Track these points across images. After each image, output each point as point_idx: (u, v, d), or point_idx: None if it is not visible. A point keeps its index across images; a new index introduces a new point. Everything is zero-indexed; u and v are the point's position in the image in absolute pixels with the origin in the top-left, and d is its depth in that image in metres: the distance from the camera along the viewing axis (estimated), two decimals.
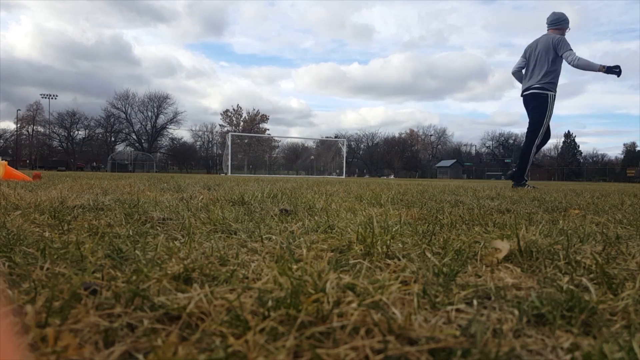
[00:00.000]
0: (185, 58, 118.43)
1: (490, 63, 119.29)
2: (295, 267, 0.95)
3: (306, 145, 72.60)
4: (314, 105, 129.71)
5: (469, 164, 71.93)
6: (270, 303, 0.69)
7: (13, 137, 67.80)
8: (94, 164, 62.19)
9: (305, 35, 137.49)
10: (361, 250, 1.19)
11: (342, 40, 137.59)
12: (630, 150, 69.65)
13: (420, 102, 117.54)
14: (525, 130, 7.40)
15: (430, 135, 79.34)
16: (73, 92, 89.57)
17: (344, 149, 45.37)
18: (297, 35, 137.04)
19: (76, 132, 69.85)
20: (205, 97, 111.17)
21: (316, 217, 1.92)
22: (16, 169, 7.38)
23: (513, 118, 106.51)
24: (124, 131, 71.57)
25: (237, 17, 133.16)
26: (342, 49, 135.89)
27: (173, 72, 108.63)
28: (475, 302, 0.78)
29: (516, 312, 0.72)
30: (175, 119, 72.10)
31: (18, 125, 66.24)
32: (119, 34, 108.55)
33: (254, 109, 76.32)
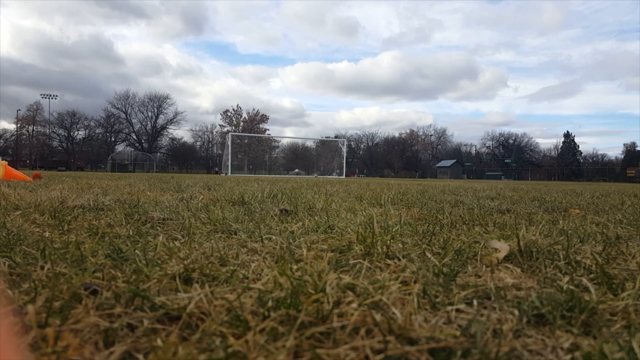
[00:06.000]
0: (170, 56, 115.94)
1: (481, 62, 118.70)
2: (295, 267, 0.95)
3: (306, 145, 72.69)
4: (307, 104, 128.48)
5: (469, 164, 71.89)
6: (270, 303, 0.69)
7: (13, 137, 67.78)
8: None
9: (289, 32, 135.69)
10: (361, 250, 1.19)
11: (328, 37, 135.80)
12: (630, 150, 69.60)
13: (412, 101, 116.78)
14: None
15: (430, 136, 79.32)
16: (60, 90, 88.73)
17: (344, 149, 45.37)
18: (282, 32, 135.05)
19: (76, 132, 69.85)
20: (194, 96, 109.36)
21: (316, 217, 1.92)
22: (16, 169, 7.37)
23: (508, 118, 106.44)
24: (124, 131, 71.56)
25: (215, 12, 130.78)
26: (330, 46, 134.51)
27: (159, 70, 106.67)
28: (475, 302, 0.78)
29: (516, 312, 0.72)
30: (175, 119, 72.14)
31: (18, 125, 66.27)
32: (99, 32, 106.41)
33: (254, 109, 76.36)
